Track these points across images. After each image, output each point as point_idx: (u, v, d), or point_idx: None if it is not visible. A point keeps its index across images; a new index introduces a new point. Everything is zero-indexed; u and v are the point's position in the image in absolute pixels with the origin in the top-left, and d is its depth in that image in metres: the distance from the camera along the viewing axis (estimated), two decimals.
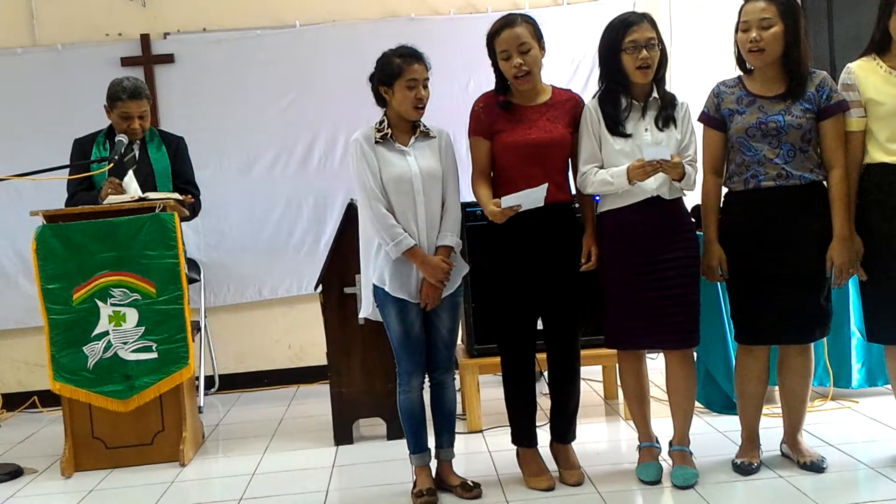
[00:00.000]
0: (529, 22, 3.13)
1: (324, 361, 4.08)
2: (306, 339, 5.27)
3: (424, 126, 3.19)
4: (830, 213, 3.05)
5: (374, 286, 3.16)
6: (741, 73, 3.18)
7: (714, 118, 3.14)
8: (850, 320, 3.89)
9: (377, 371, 3.95)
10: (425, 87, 3.11)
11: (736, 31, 3.11)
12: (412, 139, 3.16)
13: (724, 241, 3.14)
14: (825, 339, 3.77)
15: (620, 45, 3.06)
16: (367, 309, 3.28)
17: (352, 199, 4.04)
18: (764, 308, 3.10)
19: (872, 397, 3.97)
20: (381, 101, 3.17)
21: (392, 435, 3.96)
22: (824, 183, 3.08)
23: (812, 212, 3.06)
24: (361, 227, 3.21)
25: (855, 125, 3.07)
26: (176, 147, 4.31)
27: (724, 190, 3.20)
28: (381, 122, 3.17)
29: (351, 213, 3.93)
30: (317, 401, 4.75)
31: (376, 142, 3.12)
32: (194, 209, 4.20)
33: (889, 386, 3.36)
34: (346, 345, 3.98)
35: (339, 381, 3.99)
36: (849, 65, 3.12)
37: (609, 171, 3.07)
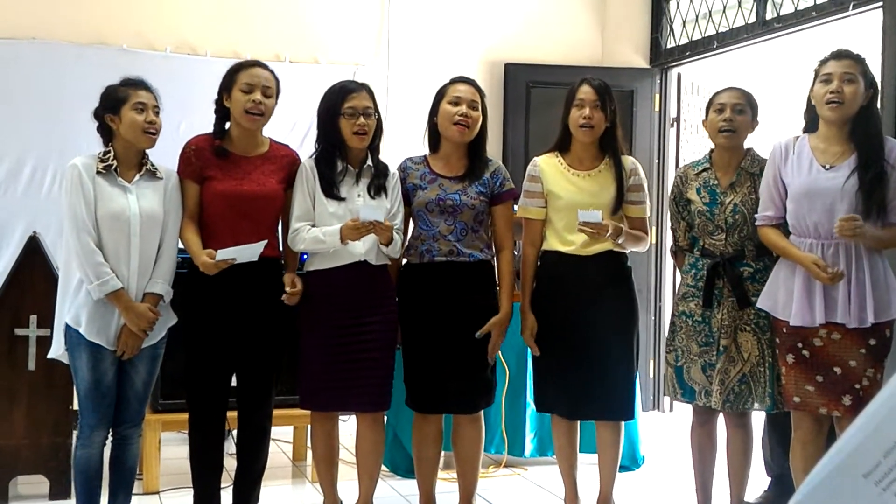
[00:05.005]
0: (276, 76, 3.14)
1: None
2: None
3: (152, 165, 3.01)
4: (495, 291, 3.27)
5: (67, 326, 2.89)
6: (427, 153, 3.35)
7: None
8: (527, 392, 4.18)
9: (45, 423, 3.59)
10: (156, 113, 2.96)
11: (435, 109, 3.26)
12: (137, 176, 2.97)
13: (400, 311, 3.24)
14: (503, 408, 4.05)
15: (339, 110, 3.12)
16: (57, 350, 2.99)
17: (34, 233, 3.71)
18: (433, 378, 3.23)
19: (541, 466, 4.26)
20: (106, 132, 2.97)
21: (56, 494, 3.59)
22: (492, 262, 3.31)
23: (479, 288, 3.25)
24: (63, 259, 2.95)
25: (534, 213, 3.32)
26: None
27: (403, 261, 3.33)
28: (105, 153, 2.95)
29: (32, 248, 3.60)
30: None
31: (98, 172, 2.90)
32: None
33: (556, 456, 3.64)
34: (11, 392, 3.56)
35: None
36: (535, 158, 3.39)
37: (322, 229, 3.09)
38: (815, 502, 1.20)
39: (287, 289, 3.06)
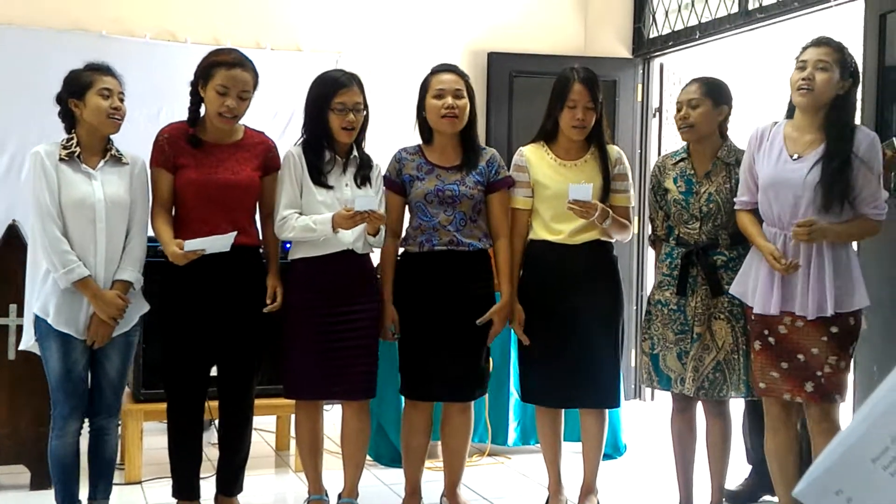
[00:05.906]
0: (255, 72, 3.08)
1: None
2: None
3: (117, 151, 2.97)
4: (493, 280, 3.28)
5: (36, 317, 2.86)
6: (421, 143, 3.33)
7: (395, 182, 3.27)
8: (510, 381, 4.18)
9: (25, 413, 3.56)
10: (121, 99, 2.93)
11: (422, 104, 3.25)
12: (101, 162, 2.93)
13: (398, 300, 3.25)
14: (487, 397, 4.04)
15: (329, 104, 3.09)
16: (27, 341, 2.96)
17: (13, 221, 3.66)
18: (430, 366, 3.24)
19: (524, 454, 4.28)
20: (69, 118, 2.93)
21: (37, 485, 3.56)
22: (489, 251, 3.31)
23: (477, 278, 3.26)
24: (30, 249, 2.92)
25: (521, 203, 3.32)
26: None
27: (401, 250, 3.32)
28: (68, 140, 2.91)
29: (11, 236, 3.56)
30: None
31: (61, 159, 2.86)
32: None
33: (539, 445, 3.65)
34: None
35: None
36: (521, 148, 3.39)
37: (312, 217, 3.07)
38: (824, 486, 1.23)
39: (267, 300, 3.07)
